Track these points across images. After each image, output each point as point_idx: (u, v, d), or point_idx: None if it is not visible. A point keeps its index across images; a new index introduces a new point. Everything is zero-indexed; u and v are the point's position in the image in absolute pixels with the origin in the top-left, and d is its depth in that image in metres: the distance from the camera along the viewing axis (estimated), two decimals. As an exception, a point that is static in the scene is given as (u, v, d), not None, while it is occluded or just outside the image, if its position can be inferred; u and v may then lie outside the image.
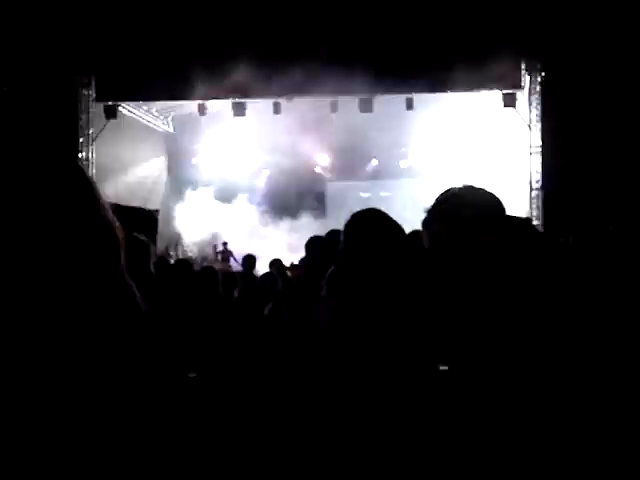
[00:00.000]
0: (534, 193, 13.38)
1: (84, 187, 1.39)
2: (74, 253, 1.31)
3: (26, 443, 1.21)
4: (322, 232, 4.14)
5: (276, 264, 7.72)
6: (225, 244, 16.31)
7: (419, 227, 2.16)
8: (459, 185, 2.11)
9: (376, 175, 18.34)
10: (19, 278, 1.26)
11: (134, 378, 1.34)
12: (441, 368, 2.20)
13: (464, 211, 2.01)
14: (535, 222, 12.94)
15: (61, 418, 1.24)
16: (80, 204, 1.37)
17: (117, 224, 1.44)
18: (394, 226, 2.37)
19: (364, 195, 18.06)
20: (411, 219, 2.54)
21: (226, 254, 16.10)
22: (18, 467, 1.23)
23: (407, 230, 5.12)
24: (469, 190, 2.08)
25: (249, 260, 7.99)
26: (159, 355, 1.46)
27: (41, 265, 1.27)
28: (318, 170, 18.73)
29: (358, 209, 2.46)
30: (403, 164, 17.99)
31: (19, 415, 1.22)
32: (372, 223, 2.36)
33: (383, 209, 2.45)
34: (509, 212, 2.12)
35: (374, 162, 18.33)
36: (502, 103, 13.38)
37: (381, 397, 2.15)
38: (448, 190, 2.09)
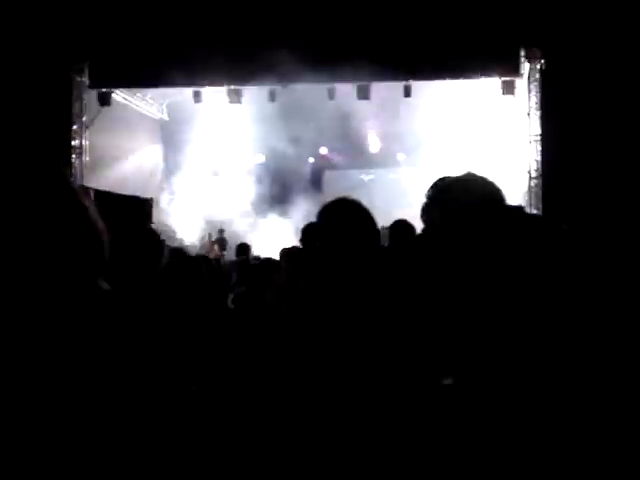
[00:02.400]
0: (533, 182, 13.30)
1: (65, 191, 1.34)
2: (53, 257, 1.26)
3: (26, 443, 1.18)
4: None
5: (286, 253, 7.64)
6: (222, 231, 16.23)
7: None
8: (459, 172, 2.06)
9: (374, 163, 18.25)
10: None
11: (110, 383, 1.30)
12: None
13: (462, 198, 1.96)
14: (534, 210, 12.88)
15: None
16: (62, 207, 1.32)
17: (102, 226, 1.39)
18: (367, 216, 2.31)
19: (365, 178, 17.98)
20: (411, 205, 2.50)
21: (222, 242, 16.02)
22: (18, 467, 1.21)
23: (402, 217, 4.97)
24: (469, 177, 2.04)
25: (242, 249, 7.92)
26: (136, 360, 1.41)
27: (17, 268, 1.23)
28: (313, 158, 18.67)
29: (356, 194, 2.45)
30: (400, 155, 17.91)
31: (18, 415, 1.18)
32: (345, 213, 2.30)
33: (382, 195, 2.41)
34: (508, 200, 2.08)
35: (373, 149, 18.23)
36: (501, 91, 13.30)
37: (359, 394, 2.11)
38: (447, 177, 2.06)
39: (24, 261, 1.23)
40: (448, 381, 2.08)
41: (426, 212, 2.03)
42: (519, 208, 2.21)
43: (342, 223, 2.25)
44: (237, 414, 3.97)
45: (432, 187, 2.03)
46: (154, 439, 1.35)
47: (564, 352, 1.80)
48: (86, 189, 10.27)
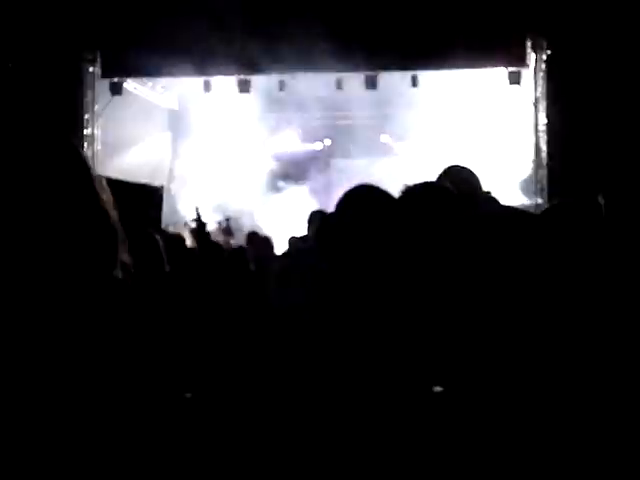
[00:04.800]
0: (540, 171, 13.35)
1: (80, 172, 1.35)
2: (66, 248, 1.23)
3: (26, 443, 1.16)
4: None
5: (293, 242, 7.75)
6: (228, 220, 16.27)
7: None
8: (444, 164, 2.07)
9: (380, 152, 18.26)
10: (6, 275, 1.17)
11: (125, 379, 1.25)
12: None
13: (435, 194, 1.98)
14: (540, 200, 12.95)
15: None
16: (75, 192, 1.30)
17: (114, 214, 1.37)
18: (391, 203, 2.17)
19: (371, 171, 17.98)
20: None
21: (228, 230, 16.05)
22: (18, 467, 1.22)
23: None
24: (445, 172, 2.04)
25: (253, 238, 8.03)
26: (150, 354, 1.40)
27: (28, 260, 1.19)
28: (321, 147, 18.74)
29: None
30: (401, 145, 17.93)
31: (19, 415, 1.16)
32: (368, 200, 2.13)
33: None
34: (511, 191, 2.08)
35: (382, 138, 18.22)
36: (507, 81, 13.36)
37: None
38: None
39: (36, 251, 1.19)
40: (438, 388, 2.06)
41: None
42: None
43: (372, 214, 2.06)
44: (236, 412, 3.95)
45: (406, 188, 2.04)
46: (152, 437, 1.32)
47: (555, 356, 1.77)
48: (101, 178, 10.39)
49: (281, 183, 17.63)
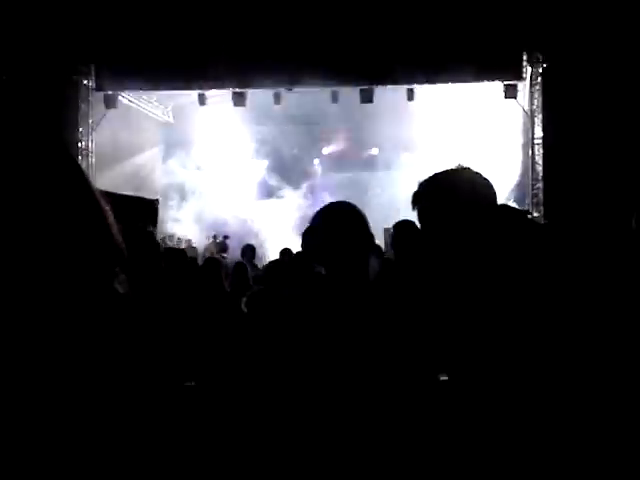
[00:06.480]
0: (536, 184, 13.36)
1: (76, 176, 1.34)
2: (63, 251, 1.24)
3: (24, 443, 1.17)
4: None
5: (287, 254, 7.72)
6: (226, 237, 16.26)
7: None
8: (455, 165, 2.07)
9: (376, 166, 18.29)
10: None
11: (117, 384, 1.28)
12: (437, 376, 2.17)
13: (457, 189, 1.98)
14: (536, 213, 12.94)
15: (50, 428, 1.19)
16: (73, 195, 1.30)
17: (113, 219, 1.38)
18: (361, 220, 2.35)
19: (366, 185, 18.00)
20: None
21: (224, 246, 16.04)
22: (17, 467, 1.18)
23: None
24: (465, 171, 2.06)
25: (248, 251, 8.00)
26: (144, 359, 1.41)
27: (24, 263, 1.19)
28: (316, 161, 18.76)
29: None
30: (404, 157, 17.95)
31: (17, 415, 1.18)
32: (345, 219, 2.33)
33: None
34: (509, 204, 2.09)
35: (374, 151, 18.25)
36: (503, 94, 13.39)
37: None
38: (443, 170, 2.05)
39: (38, 263, 1.19)
40: (444, 377, 2.10)
41: (418, 200, 2.02)
42: (525, 212, 2.17)
43: (336, 227, 2.26)
44: (236, 413, 3.94)
45: (428, 177, 2.04)
46: (154, 439, 1.33)
47: (559, 352, 1.77)
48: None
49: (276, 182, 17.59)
